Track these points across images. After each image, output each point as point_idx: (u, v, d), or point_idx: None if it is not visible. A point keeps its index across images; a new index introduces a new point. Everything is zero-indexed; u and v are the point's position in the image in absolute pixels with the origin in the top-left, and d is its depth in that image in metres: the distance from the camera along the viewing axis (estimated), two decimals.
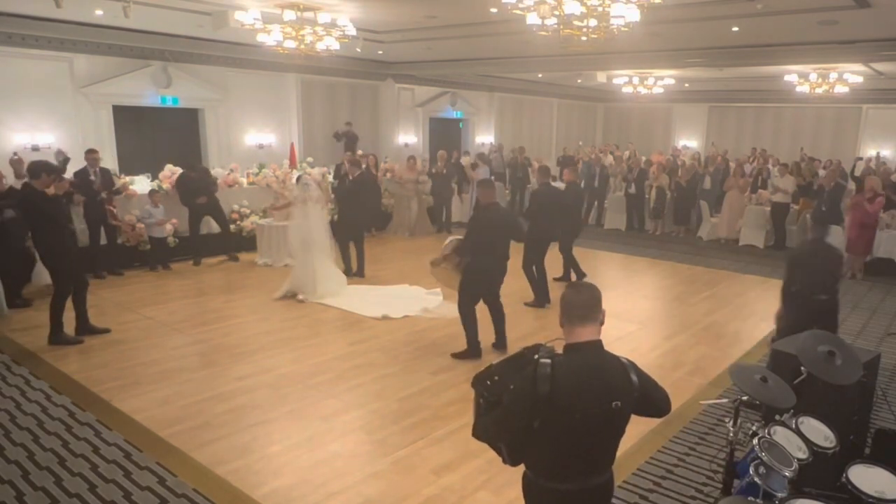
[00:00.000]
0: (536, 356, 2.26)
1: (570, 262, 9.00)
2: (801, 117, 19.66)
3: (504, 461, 2.43)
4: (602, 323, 2.33)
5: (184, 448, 4.38)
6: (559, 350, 2.32)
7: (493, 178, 13.26)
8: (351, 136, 14.45)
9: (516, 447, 2.36)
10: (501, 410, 2.28)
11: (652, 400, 2.38)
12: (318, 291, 7.99)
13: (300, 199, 8.24)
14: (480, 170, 14.34)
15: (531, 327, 7.18)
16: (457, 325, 6.29)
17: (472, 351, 6.14)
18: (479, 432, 2.40)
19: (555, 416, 2.20)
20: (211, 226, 10.29)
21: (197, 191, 9.74)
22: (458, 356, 6.14)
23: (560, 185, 9.90)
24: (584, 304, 2.30)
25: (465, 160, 15.05)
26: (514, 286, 8.06)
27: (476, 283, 6.06)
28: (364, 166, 10.64)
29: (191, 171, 9.95)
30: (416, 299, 8.04)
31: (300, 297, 8.00)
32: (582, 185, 16.23)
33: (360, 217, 9.52)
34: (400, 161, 14.07)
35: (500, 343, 6.33)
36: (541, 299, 8.01)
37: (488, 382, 2.32)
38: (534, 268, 8.03)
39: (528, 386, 2.19)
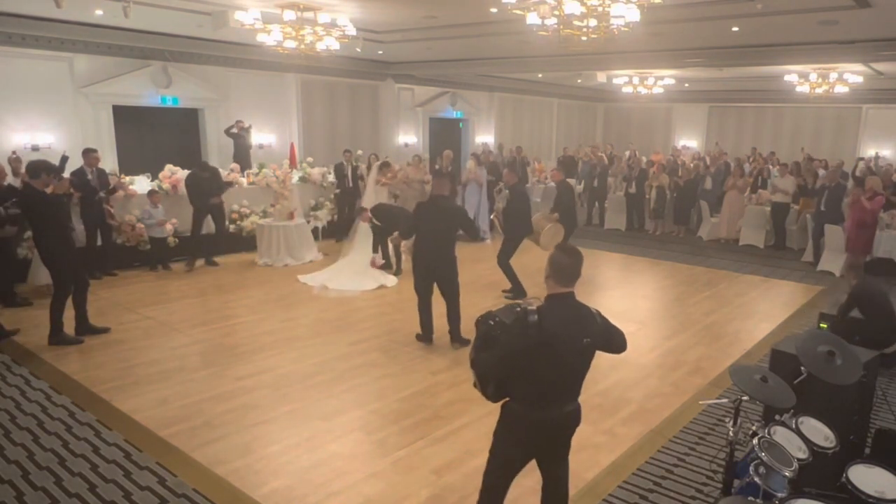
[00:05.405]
0: (522, 306, 2.76)
1: None
2: (801, 117, 19.67)
3: (487, 398, 2.87)
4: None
5: (184, 448, 4.38)
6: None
7: (492, 178, 13.20)
8: (240, 139, 12.57)
9: (504, 383, 2.81)
10: (501, 349, 2.71)
11: (612, 339, 2.94)
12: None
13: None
14: (481, 171, 14.22)
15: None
16: None
17: (423, 335, 6.48)
18: (479, 366, 2.80)
19: (542, 350, 2.69)
20: (209, 226, 10.12)
21: (209, 191, 9.54)
22: (418, 337, 6.53)
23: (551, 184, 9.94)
24: (573, 270, 2.83)
25: (470, 164, 14.58)
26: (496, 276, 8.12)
27: (418, 266, 6.35)
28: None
29: (202, 170, 9.70)
30: (368, 278, 8.83)
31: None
32: (581, 185, 16.33)
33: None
34: (401, 161, 14.03)
35: (453, 333, 6.37)
36: (518, 292, 8.05)
37: (491, 322, 2.75)
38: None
39: (519, 328, 2.67)
